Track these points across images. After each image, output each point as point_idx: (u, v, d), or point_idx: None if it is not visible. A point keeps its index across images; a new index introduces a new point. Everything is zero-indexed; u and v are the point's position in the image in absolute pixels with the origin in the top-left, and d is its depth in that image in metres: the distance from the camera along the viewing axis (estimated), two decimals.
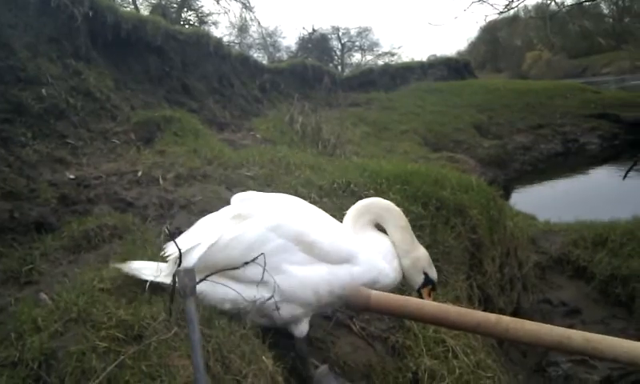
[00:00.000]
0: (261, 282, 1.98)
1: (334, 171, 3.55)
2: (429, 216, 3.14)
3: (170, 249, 2.10)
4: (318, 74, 9.72)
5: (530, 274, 3.94)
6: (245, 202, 2.28)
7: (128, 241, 2.73)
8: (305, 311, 2.11)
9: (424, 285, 2.15)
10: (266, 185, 3.39)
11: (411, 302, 0.93)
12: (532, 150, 8.29)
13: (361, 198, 3.24)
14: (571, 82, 13.09)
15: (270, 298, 1.99)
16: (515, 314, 3.54)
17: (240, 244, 2.01)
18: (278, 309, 2.02)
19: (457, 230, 3.18)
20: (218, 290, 2.00)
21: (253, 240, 2.02)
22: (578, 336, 0.87)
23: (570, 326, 3.94)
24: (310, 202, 3.26)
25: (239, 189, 3.39)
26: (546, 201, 7.32)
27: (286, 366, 2.23)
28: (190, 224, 3.18)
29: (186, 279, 0.91)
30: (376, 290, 2.10)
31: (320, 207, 3.19)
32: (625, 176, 8.17)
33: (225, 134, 4.67)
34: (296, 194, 3.30)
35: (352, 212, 2.29)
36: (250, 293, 2.00)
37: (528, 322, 0.91)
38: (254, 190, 3.38)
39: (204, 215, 3.23)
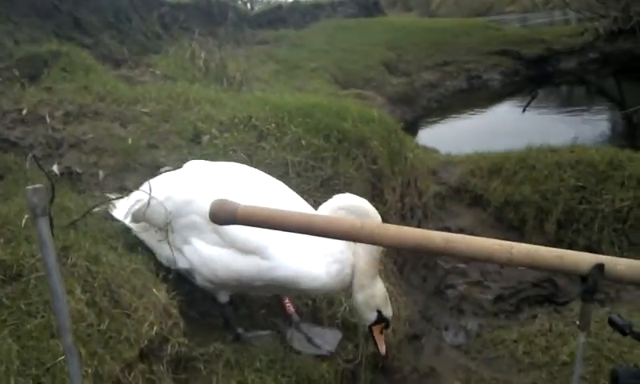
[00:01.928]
0: (176, 249, 2.11)
1: (236, 106, 3.46)
2: (331, 148, 3.15)
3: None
4: (224, 9, 9.38)
5: (430, 203, 4.09)
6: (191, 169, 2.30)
7: (9, 181, 2.56)
8: (217, 286, 2.11)
9: (376, 322, 2.04)
10: (164, 121, 3.26)
11: (278, 213, 0.92)
12: (438, 87, 8.52)
13: (262, 133, 3.21)
14: (476, 20, 13.45)
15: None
16: None
17: (159, 211, 2.10)
18: (192, 277, 2.11)
19: (358, 162, 3.22)
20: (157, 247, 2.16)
21: (171, 208, 2.09)
22: (438, 236, 0.89)
23: None
24: (211, 138, 3.20)
25: (134, 125, 3.25)
26: (451, 135, 7.59)
27: (184, 299, 2.20)
28: (80, 164, 3.04)
29: (35, 199, 0.85)
30: (302, 291, 2.07)
31: (221, 142, 3.14)
32: (524, 110, 8.62)
33: (121, 71, 4.42)
34: (195, 129, 3.21)
35: (326, 207, 2.07)
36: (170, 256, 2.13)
37: (392, 225, 0.92)
38: (149, 126, 3.27)
39: (96, 154, 3.09)
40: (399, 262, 3.58)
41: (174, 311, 1.99)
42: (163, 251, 2.13)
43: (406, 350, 2.81)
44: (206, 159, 2.85)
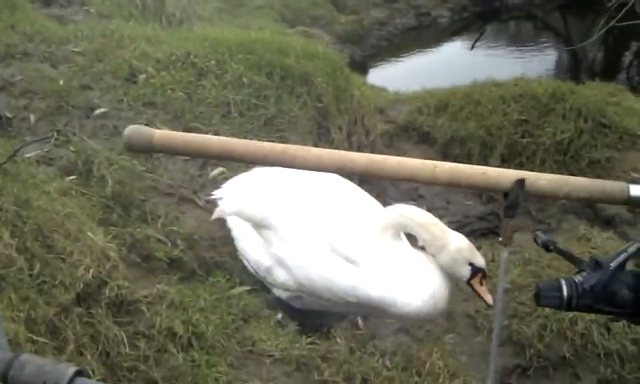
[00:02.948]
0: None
1: (174, 43, 3.32)
2: (273, 86, 3.09)
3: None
4: None
5: (378, 142, 4.09)
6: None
7: None
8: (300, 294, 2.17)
9: (473, 275, 1.99)
10: (97, 60, 3.11)
11: (198, 139, 0.88)
12: (387, 25, 8.41)
13: (201, 71, 3.11)
14: None
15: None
16: None
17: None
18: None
19: (302, 100, 3.17)
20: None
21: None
22: (361, 157, 0.87)
23: (415, 188, 4.24)
24: (147, 77, 3.07)
25: (65, 66, 3.08)
26: (401, 74, 7.57)
27: (124, 243, 2.15)
28: (10, 108, 2.87)
29: None
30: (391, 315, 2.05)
31: (158, 81, 3.01)
32: (472, 46, 8.65)
33: (52, 10, 4.15)
34: (130, 68, 3.07)
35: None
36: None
37: (314, 148, 0.89)
38: (81, 66, 3.10)
39: (27, 97, 2.92)
40: None
41: (113, 254, 1.94)
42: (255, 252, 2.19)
43: None
44: (142, 99, 2.75)
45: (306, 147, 0.88)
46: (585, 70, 8.08)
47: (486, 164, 4.19)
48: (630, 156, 4.01)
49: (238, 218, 2.26)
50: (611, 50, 8.27)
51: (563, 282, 0.95)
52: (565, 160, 3.98)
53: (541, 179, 0.89)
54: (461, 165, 0.90)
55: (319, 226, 2.06)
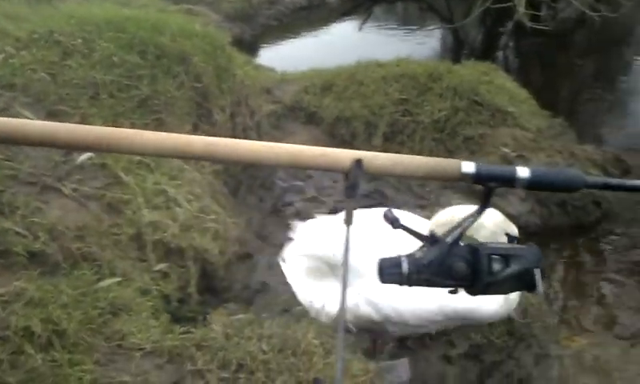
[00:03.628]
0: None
1: (36, 20, 3.06)
2: (147, 66, 2.94)
3: None
4: None
5: (264, 122, 4.05)
6: None
7: None
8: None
9: None
10: None
11: (10, 123, 0.79)
12: (277, 4, 8.35)
13: (67, 50, 2.89)
14: None
15: None
16: None
17: None
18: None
19: (180, 80, 3.05)
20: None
21: None
22: (198, 141, 0.83)
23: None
24: (5, 56, 2.81)
25: None
26: (291, 54, 7.55)
27: None
28: None
29: None
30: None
31: (18, 61, 2.77)
32: (360, 27, 8.80)
33: None
34: None
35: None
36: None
37: (148, 132, 0.84)
38: None
39: None
40: (232, 184, 3.53)
41: None
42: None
43: (237, 269, 2.81)
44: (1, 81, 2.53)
45: (140, 131, 0.82)
46: (466, 50, 8.49)
47: (370, 143, 4.30)
48: (501, 132, 4.27)
49: (307, 263, 2.25)
50: (489, 31, 8.72)
51: (403, 259, 0.96)
52: (442, 137, 4.16)
53: (377, 158, 0.89)
54: (301, 146, 0.89)
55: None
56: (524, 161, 4.18)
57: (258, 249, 3.22)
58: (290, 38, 8.36)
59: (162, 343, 1.85)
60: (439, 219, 2.16)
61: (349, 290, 2.07)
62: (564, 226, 4.23)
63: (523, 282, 0.99)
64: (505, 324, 2.87)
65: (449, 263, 0.97)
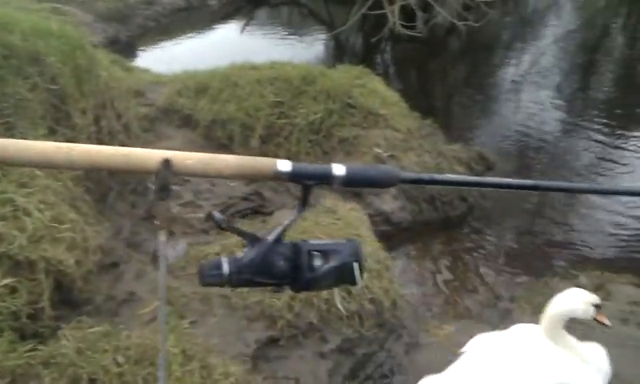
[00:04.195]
0: None
1: None
2: None
3: None
4: None
5: (133, 126, 3.89)
6: None
7: None
8: None
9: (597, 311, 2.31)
10: None
11: None
12: (154, 5, 8.09)
13: None
14: None
15: None
16: None
17: None
18: None
19: (32, 81, 2.85)
20: None
21: None
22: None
23: None
24: None
25: None
26: (169, 56, 7.35)
27: None
28: None
29: None
30: None
31: None
32: (242, 30, 8.76)
33: None
34: None
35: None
36: None
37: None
38: None
39: None
40: (98, 190, 3.36)
41: None
42: None
43: (100, 280, 2.67)
44: None
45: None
46: (347, 55, 8.71)
47: (247, 145, 4.28)
48: (374, 133, 4.43)
49: None
50: (368, 37, 9.01)
51: (223, 260, 0.95)
52: (318, 139, 4.24)
53: (188, 158, 0.88)
54: (102, 147, 0.85)
55: None
56: (395, 160, 4.37)
57: (125, 257, 3.09)
58: (169, 39, 8.14)
59: (4, 363, 1.71)
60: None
61: None
62: (433, 220, 4.47)
63: (344, 276, 1.02)
64: (375, 317, 2.98)
65: (270, 261, 0.97)
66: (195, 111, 4.31)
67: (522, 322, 3.10)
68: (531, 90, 7.98)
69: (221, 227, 1.02)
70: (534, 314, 3.30)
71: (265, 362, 2.79)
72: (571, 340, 2.33)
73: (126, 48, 7.22)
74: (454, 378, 2.34)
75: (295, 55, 6.89)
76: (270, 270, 0.97)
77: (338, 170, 0.99)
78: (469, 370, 2.34)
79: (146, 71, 5.28)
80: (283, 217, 3.47)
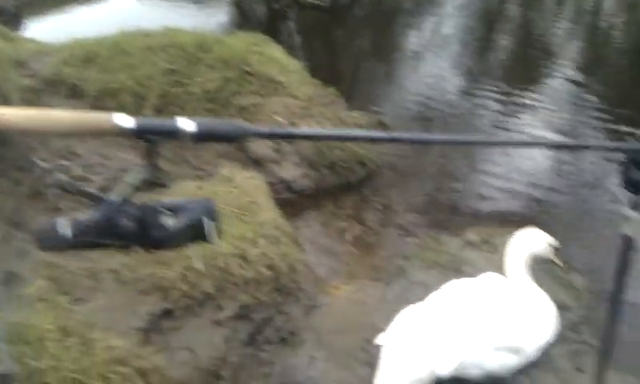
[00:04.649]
0: None
1: None
2: None
3: None
4: None
5: (15, 97, 3.64)
6: None
7: None
8: None
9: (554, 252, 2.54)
10: None
11: None
12: None
13: None
14: None
15: None
16: None
17: None
18: None
19: None
20: None
21: None
22: None
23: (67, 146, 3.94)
24: None
25: None
26: (59, 26, 6.92)
27: None
28: None
29: None
30: None
31: None
32: None
33: None
34: None
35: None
36: None
37: None
38: None
39: None
40: None
41: None
42: None
43: None
44: None
45: None
46: (251, 23, 8.57)
47: (141, 115, 4.14)
48: (273, 101, 4.41)
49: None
50: (271, 4, 8.90)
51: (61, 222, 0.92)
52: (215, 108, 4.17)
53: (17, 115, 0.83)
54: None
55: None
56: (295, 127, 4.39)
57: (5, 237, 2.91)
58: (58, 8, 7.65)
59: None
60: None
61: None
62: (334, 185, 4.55)
63: (196, 234, 1.01)
64: (272, 282, 3.01)
65: (116, 222, 0.95)
66: (83, 81, 4.11)
67: (415, 277, 3.26)
68: (432, 57, 8.25)
69: (65, 190, 0.98)
70: (427, 269, 3.47)
71: (158, 333, 2.74)
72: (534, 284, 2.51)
73: (13, 19, 6.72)
74: (428, 308, 2.45)
75: (197, 23, 6.68)
76: (115, 231, 0.96)
77: (186, 124, 0.98)
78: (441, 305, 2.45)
79: (30, 41, 4.94)
80: (185, 188, 3.40)
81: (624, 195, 1.48)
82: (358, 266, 3.84)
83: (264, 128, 1.06)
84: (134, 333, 2.60)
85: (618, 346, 3.03)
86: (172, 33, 4.35)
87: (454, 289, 2.49)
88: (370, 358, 2.81)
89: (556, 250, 2.56)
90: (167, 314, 2.71)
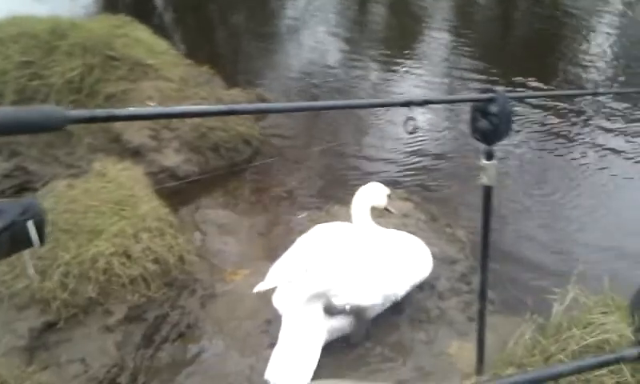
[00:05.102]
0: None
1: None
2: None
3: None
4: None
5: None
6: None
7: None
8: None
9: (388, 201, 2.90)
10: None
11: None
12: None
13: None
14: None
15: None
16: None
17: None
18: None
19: None
20: None
21: None
22: None
23: None
24: None
25: None
26: None
27: None
28: None
29: None
30: None
31: None
32: None
33: None
34: None
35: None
36: None
37: None
38: None
39: None
40: None
41: None
42: None
43: None
44: None
45: None
46: (118, 5, 8.05)
47: None
48: (144, 85, 4.16)
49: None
50: None
51: None
52: (80, 98, 3.86)
53: None
54: None
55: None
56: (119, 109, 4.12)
57: None
58: None
59: None
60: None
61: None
62: (221, 167, 4.40)
63: (17, 238, 0.86)
64: (162, 277, 2.84)
65: None
66: None
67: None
68: (309, 28, 8.23)
69: None
70: None
71: (44, 350, 2.52)
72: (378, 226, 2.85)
73: None
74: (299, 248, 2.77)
75: (58, 9, 6.13)
76: None
77: None
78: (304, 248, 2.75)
79: None
80: (54, 189, 3.10)
81: (481, 146, 1.51)
82: (254, 247, 3.72)
83: (82, 112, 0.91)
84: (16, 352, 2.36)
85: (504, 288, 3.23)
86: (21, 20, 3.94)
87: (319, 231, 2.84)
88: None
89: (389, 197, 2.95)
90: (50, 327, 2.48)
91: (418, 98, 1.17)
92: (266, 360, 2.68)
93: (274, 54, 7.82)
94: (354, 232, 2.81)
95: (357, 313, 2.59)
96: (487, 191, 1.55)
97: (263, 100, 5.08)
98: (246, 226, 3.83)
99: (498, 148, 1.52)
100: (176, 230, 3.05)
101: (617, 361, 1.01)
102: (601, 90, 2.51)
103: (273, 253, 3.56)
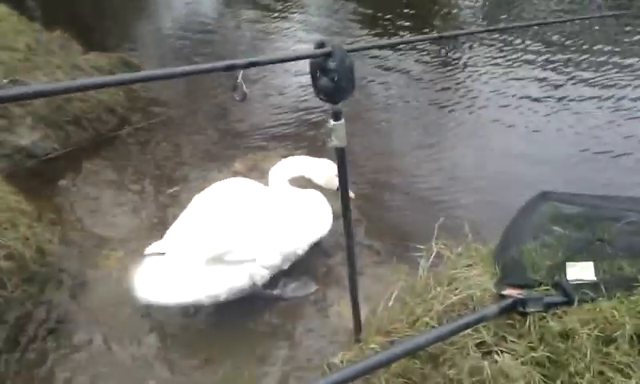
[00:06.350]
0: None
1: None
2: None
3: None
4: None
5: None
6: None
7: None
8: None
9: None
10: None
11: None
12: None
13: None
14: None
15: None
16: None
17: None
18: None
19: None
20: None
21: None
22: None
23: None
24: None
25: None
26: None
27: None
28: None
29: None
30: None
31: None
32: None
33: None
34: None
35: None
36: None
37: None
38: None
39: None
40: None
41: None
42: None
43: None
44: None
45: None
46: None
47: None
48: None
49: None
50: None
51: None
52: None
53: None
54: None
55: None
56: (20, 85, 3.71)
57: None
58: None
59: None
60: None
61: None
62: (86, 140, 4.04)
63: None
64: (18, 273, 2.55)
65: None
66: None
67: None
68: None
69: None
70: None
71: None
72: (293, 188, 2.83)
73: None
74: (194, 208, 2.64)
75: None
76: None
77: None
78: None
79: None
80: None
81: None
82: (127, 226, 3.43)
83: None
84: None
85: (389, 238, 3.24)
86: None
87: (216, 190, 2.72)
88: (155, 324, 2.59)
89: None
90: None
91: (242, 61, 1.03)
92: (149, 346, 2.52)
93: (141, 14, 7.30)
94: (250, 190, 2.73)
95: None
96: (340, 153, 1.46)
97: (127, 63, 4.69)
98: (117, 203, 3.55)
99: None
100: (32, 219, 2.74)
101: (478, 321, 0.98)
102: (445, 33, 2.49)
103: (148, 231, 3.32)
